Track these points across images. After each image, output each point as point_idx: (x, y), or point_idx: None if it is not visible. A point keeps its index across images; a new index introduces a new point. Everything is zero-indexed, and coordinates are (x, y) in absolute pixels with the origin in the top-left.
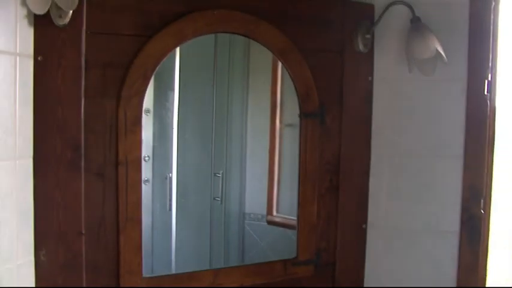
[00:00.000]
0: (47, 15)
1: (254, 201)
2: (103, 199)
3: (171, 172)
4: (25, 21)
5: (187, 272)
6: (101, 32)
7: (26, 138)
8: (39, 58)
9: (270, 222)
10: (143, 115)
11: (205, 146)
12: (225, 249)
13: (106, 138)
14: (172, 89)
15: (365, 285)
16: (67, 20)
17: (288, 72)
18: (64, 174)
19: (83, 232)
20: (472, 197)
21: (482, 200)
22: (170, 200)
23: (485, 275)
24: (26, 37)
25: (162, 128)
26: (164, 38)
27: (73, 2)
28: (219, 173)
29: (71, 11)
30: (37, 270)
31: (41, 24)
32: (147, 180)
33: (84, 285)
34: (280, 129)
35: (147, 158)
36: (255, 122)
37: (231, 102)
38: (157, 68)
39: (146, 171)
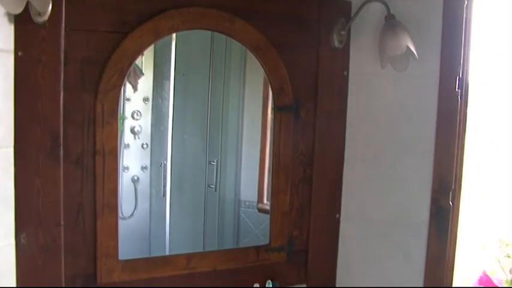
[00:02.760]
0: (26, 13)
1: (249, 189)
2: (81, 186)
3: (166, 159)
4: (5, 19)
5: (161, 256)
6: (80, 29)
7: (8, 128)
8: (19, 53)
9: (260, 210)
10: (142, 103)
11: (200, 134)
12: (219, 236)
13: (84, 129)
14: (169, 78)
15: (337, 272)
16: (46, 17)
17: (263, 68)
18: (44, 163)
19: (62, 222)
20: (441, 189)
21: (451, 193)
22: (164, 186)
23: (453, 266)
24: (6, 33)
25: (159, 116)
26: (140, 34)
27: (47, 2)
28: (213, 161)
29: (49, 9)
30: (18, 252)
31: (21, 21)
32: (145, 167)
33: (63, 267)
34: (272, 120)
35: (145, 146)
36: (251, 110)
37: (227, 91)
38: (133, 64)
39: (144, 159)
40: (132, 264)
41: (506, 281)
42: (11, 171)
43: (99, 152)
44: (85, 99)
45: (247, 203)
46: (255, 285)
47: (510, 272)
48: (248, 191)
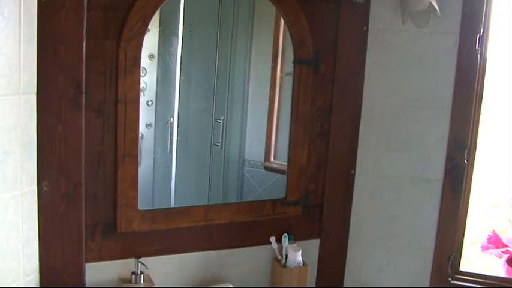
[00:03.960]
0: None
1: (254, 148)
2: (102, 135)
3: (173, 117)
4: None
5: (180, 207)
6: None
7: (31, 74)
8: None
9: (267, 168)
10: (148, 60)
11: (207, 92)
12: (223, 193)
13: (106, 77)
14: (177, 35)
15: (351, 227)
16: None
17: (284, 20)
18: (66, 110)
19: (83, 170)
20: (457, 147)
21: (466, 151)
22: (171, 143)
23: (465, 224)
24: None
25: (165, 73)
26: None
27: None
28: (219, 119)
29: None
30: (39, 199)
31: None
32: (149, 125)
33: (83, 215)
34: (281, 77)
35: (150, 103)
36: (258, 69)
37: (234, 49)
38: (157, 11)
39: (149, 116)
40: (151, 214)
41: None
42: (34, 118)
43: (121, 101)
44: (107, 46)
45: (251, 162)
46: (271, 238)
47: None
48: (253, 150)
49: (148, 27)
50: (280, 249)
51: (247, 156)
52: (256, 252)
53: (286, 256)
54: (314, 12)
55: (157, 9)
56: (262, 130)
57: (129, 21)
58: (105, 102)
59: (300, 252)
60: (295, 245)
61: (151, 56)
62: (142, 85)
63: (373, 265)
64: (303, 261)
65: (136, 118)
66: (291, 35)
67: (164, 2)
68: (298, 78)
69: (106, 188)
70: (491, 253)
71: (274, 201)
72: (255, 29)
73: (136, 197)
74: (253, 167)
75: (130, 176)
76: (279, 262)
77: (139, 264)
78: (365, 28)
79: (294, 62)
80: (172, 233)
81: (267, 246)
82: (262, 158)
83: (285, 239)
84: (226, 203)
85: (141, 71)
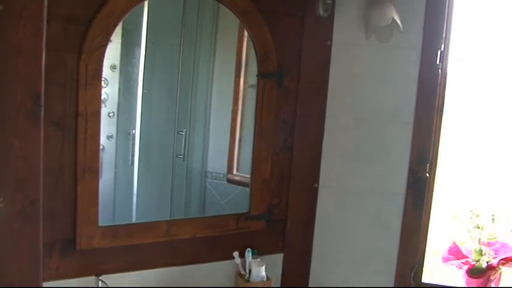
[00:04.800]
0: None
1: (216, 160)
2: (62, 149)
3: (135, 128)
4: None
5: (142, 222)
6: None
7: None
8: (0, 7)
9: (230, 181)
10: (109, 71)
11: (169, 104)
12: (186, 206)
13: (66, 90)
14: (139, 46)
15: (314, 241)
16: None
17: (248, 33)
18: (23, 124)
19: (41, 186)
20: (419, 160)
21: (428, 164)
22: (132, 155)
23: (427, 236)
24: None
25: (127, 84)
26: None
27: None
28: (182, 131)
29: None
30: None
31: None
32: (111, 136)
33: (41, 233)
34: (244, 89)
35: (111, 114)
36: (221, 82)
37: (197, 61)
38: (119, 23)
39: (111, 127)
40: (112, 230)
41: (475, 251)
42: None
43: (82, 114)
44: (68, 58)
45: (214, 174)
46: (234, 253)
47: (479, 242)
48: (216, 162)
49: (111, 37)
50: (244, 264)
51: (209, 169)
52: (220, 268)
53: (250, 271)
54: (278, 25)
55: (120, 21)
56: (225, 142)
57: (91, 33)
58: (65, 115)
59: (263, 267)
60: (258, 259)
61: (113, 67)
62: (103, 96)
63: (337, 278)
64: (266, 275)
65: (98, 132)
66: (254, 49)
67: (127, 14)
68: (262, 91)
69: (65, 203)
70: (452, 264)
71: (237, 216)
72: (219, 42)
73: (97, 213)
74: (215, 179)
75: (91, 191)
76: (242, 277)
77: (100, 282)
78: (329, 42)
79: (257, 75)
80: (134, 249)
81: (231, 261)
82: (225, 170)
83: (248, 253)
84: (189, 218)
85: (102, 83)
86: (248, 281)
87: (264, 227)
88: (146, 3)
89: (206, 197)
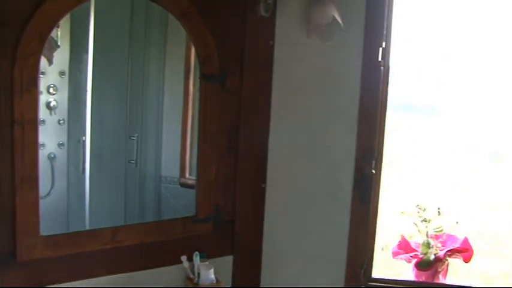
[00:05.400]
0: None
1: (170, 164)
2: None
3: (85, 135)
4: None
5: (85, 230)
6: None
7: None
8: None
9: (183, 184)
10: (58, 77)
11: (120, 109)
12: (141, 211)
13: (1, 97)
14: (87, 51)
15: (264, 241)
16: None
17: (189, 36)
18: None
19: None
20: (364, 158)
21: (373, 161)
22: (84, 162)
23: (375, 231)
24: None
25: (76, 90)
26: None
27: None
28: (134, 136)
29: None
30: None
31: None
32: (62, 144)
33: None
34: (194, 92)
35: (62, 121)
36: (173, 84)
37: (147, 64)
38: (54, 27)
39: (61, 135)
40: (54, 239)
41: (423, 244)
42: None
43: (18, 122)
44: (2, 65)
45: (168, 178)
46: (182, 257)
47: (427, 235)
48: (170, 166)
49: (59, 43)
50: (192, 267)
51: (163, 173)
52: (168, 272)
53: (199, 274)
54: (219, 27)
55: (54, 25)
56: (178, 146)
57: (24, 39)
58: (1, 123)
59: (212, 269)
60: (207, 262)
61: (61, 73)
62: (53, 103)
63: (288, 278)
64: (216, 278)
65: (35, 139)
66: (196, 51)
67: (63, 18)
68: (205, 93)
69: (3, 214)
70: (401, 258)
71: (184, 219)
72: (169, 44)
73: (37, 222)
74: (170, 184)
75: (31, 201)
76: (191, 281)
77: None
78: (271, 42)
79: (200, 77)
80: (79, 257)
81: (180, 265)
82: (178, 174)
83: (196, 257)
84: (134, 224)
85: (50, 89)
86: (197, 284)
87: (212, 230)
88: (93, 8)
89: (161, 201)
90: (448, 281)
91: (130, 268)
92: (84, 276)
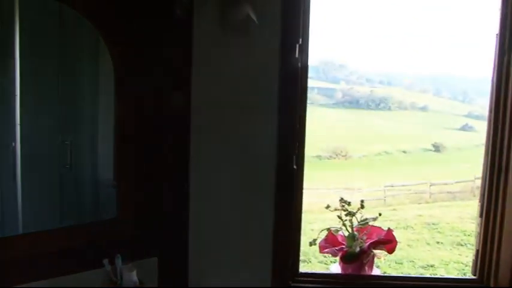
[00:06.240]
0: None
1: (105, 167)
2: None
3: (15, 141)
4: None
5: (3, 237)
6: None
7: None
8: None
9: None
10: None
11: (52, 114)
12: (78, 216)
13: None
14: (13, 56)
15: (190, 242)
16: None
17: (104, 41)
18: None
19: None
20: (286, 153)
21: (295, 156)
22: (14, 169)
23: (300, 226)
24: None
25: (4, 96)
26: None
27: None
28: (67, 141)
29: None
30: None
31: None
32: None
33: None
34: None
35: None
36: (108, 87)
37: (80, 67)
38: None
39: None
40: None
41: (348, 237)
42: None
43: None
44: None
45: (105, 182)
46: (104, 261)
47: (352, 228)
48: (105, 170)
49: None
50: (115, 270)
51: (99, 177)
52: (91, 277)
53: (122, 277)
54: (136, 29)
55: None
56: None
57: None
58: None
59: (134, 271)
60: (129, 265)
61: None
62: None
63: (216, 277)
64: (139, 280)
65: None
66: (110, 53)
67: None
68: (121, 90)
69: None
70: (327, 252)
71: (104, 222)
72: (102, 45)
73: None
74: (106, 187)
75: None
76: (114, 284)
77: None
78: (190, 41)
79: (115, 80)
80: None
81: (102, 269)
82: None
83: (118, 260)
84: (53, 229)
85: None
86: (120, 286)
87: (134, 232)
88: (17, 12)
89: (99, 205)
90: (374, 272)
91: (51, 274)
92: (4, 285)
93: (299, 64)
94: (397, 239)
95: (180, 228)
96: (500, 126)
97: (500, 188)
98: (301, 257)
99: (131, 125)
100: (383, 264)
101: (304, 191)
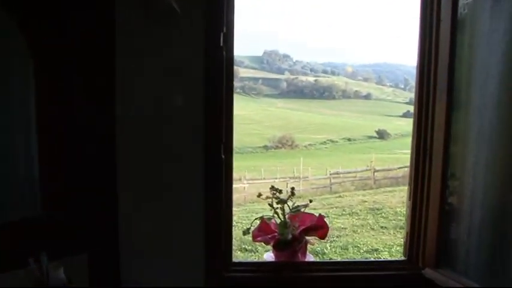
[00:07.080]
0: None
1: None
2: None
3: None
4: None
5: None
6: None
7: None
8: None
9: None
10: None
11: None
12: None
13: None
14: None
15: (121, 241)
16: None
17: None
18: None
19: None
20: (213, 143)
21: (222, 145)
22: None
23: (231, 216)
24: None
25: None
26: None
27: None
28: None
29: None
30: None
31: None
32: None
33: None
34: None
35: None
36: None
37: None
38: None
39: None
40: None
41: (280, 225)
42: None
43: None
44: None
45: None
46: (29, 260)
47: (284, 216)
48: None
49: None
50: (41, 268)
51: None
52: (16, 276)
53: (48, 275)
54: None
55: None
56: None
57: None
58: None
59: (61, 269)
60: (55, 263)
61: None
62: None
63: (149, 274)
64: (68, 278)
65: None
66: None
67: None
68: (40, 88)
69: None
70: (260, 240)
71: (30, 219)
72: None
73: None
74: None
75: None
76: (40, 282)
77: None
78: (112, 32)
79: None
80: None
81: (27, 268)
82: None
83: (43, 258)
84: None
85: None
86: (47, 285)
87: (59, 228)
88: None
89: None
90: (307, 259)
91: None
92: None
93: (224, 52)
94: (343, 226)
95: (110, 224)
96: (424, 113)
97: (425, 172)
98: (248, 247)
99: (54, 119)
100: (329, 251)
101: (251, 182)
